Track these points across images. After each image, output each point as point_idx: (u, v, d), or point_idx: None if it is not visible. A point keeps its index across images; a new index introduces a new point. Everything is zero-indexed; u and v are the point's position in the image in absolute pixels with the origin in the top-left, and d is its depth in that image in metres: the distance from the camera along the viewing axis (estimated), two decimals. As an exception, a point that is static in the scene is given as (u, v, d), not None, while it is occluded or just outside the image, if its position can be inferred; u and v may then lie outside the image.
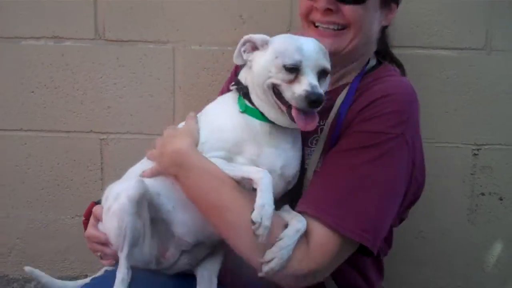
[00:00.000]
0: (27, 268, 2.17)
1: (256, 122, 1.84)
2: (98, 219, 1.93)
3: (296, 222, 1.70)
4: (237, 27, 2.78)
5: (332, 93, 1.93)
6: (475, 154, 2.88)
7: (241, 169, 1.74)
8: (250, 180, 1.71)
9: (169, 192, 1.88)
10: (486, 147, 2.87)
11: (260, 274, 1.67)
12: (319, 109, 1.69)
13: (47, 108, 2.94)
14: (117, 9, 2.82)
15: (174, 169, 1.81)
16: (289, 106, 1.71)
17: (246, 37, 1.87)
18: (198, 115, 2.02)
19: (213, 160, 1.78)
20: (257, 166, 1.79)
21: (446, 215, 2.96)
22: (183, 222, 1.88)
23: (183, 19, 2.82)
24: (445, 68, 2.80)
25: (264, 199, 1.63)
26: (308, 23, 2.00)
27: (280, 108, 1.75)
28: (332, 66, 1.82)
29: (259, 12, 2.79)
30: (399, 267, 2.99)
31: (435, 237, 2.99)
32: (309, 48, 1.79)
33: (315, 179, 1.85)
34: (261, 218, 1.60)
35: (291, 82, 1.70)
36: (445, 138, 2.87)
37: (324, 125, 1.93)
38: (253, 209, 1.62)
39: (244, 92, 1.90)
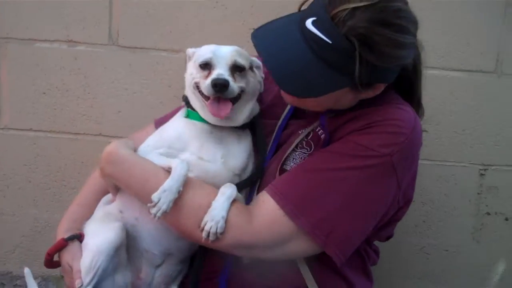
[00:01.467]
0: (26, 270, 2.60)
1: (197, 123, 2.30)
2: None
3: (223, 188, 2.09)
4: (249, 39, 3.32)
5: (318, 114, 2.22)
6: (482, 174, 3.37)
7: (165, 160, 2.16)
8: (169, 169, 2.10)
9: (130, 206, 2.28)
10: (493, 167, 3.35)
11: (202, 242, 2.02)
12: (229, 95, 2.15)
13: (57, 110, 3.42)
14: (131, 16, 3.27)
15: (109, 168, 2.22)
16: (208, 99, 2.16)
17: (187, 51, 2.37)
18: None
19: (149, 156, 2.22)
20: (200, 157, 2.30)
21: (451, 233, 3.45)
22: (148, 233, 2.26)
23: (195, 29, 3.28)
24: (455, 89, 3.26)
25: (169, 185, 2.02)
26: None
27: (205, 105, 2.20)
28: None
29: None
30: (400, 280, 3.53)
31: (438, 254, 3.48)
32: (222, 48, 2.30)
33: (290, 170, 2.14)
34: (159, 200, 1.99)
35: (206, 77, 2.19)
36: (453, 157, 3.34)
37: (304, 131, 2.26)
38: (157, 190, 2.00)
39: (187, 102, 2.37)
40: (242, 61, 2.26)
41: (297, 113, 2.48)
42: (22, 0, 3.25)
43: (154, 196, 2.00)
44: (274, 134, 2.46)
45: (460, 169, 3.36)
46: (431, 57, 3.18)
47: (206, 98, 2.20)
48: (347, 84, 1.98)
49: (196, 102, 2.31)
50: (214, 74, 2.16)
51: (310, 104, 2.16)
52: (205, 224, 2.00)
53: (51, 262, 2.31)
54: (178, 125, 2.33)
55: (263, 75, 2.49)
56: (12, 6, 3.26)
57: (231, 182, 2.21)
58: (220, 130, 2.31)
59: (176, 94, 3.29)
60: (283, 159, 2.23)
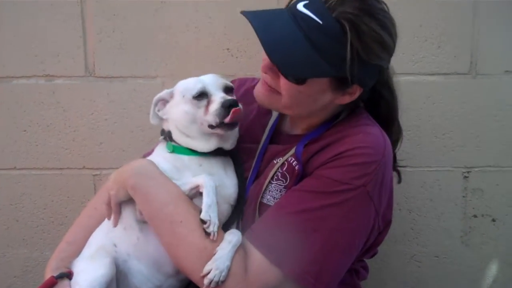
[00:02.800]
0: None
1: (185, 158, 2.28)
2: None
3: (228, 234, 2.05)
4: (224, 59, 3.33)
5: (298, 138, 2.26)
6: (465, 177, 3.37)
7: (187, 182, 2.16)
8: (197, 187, 2.11)
9: (123, 238, 2.27)
10: (476, 169, 3.36)
11: (200, 285, 1.99)
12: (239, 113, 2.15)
13: (39, 146, 3.43)
14: (106, 46, 3.30)
15: (135, 179, 2.15)
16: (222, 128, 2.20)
17: (155, 98, 2.37)
18: None
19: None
20: None
21: (440, 239, 3.44)
22: (138, 270, 2.24)
23: (171, 54, 3.31)
24: (432, 93, 3.28)
25: (210, 199, 2.04)
26: None
27: (207, 133, 2.24)
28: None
29: (245, 44, 3.30)
30: (393, 291, 3.45)
31: (429, 261, 3.47)
32: (207, 76, 2.36)
33: (268, 213, 2.10)
34: (210, 216, 2.00)
35: (206, 108, 2.19)
36: (435, 162, 3.35)
37: (279, 160, 2.25)
38: (201, 211, 2.02)
39: (169, 137, 2.43)
40: (227, 81, 2.37)
41: (274, 138, 2.49)
42: (-4, 38, 3.22)
43: (204, 215, 2.03)
44: (255, 160, 2.46)
45: (444, 174, 3.37)
46: (406, 63, 3.25)
47: (213, 128, 2.22)
48: (329, 73, 2.00)
49: (190, 137, 2.30)
50: (218, 99, 2.19)
51: (287, 101, 2.13)
52: (209, 272, 1.98)
53: None
54: (169, 159, 2.31)
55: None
56: (-13, 45, 3.23)
57: (227, 212, 2.25)
58: (208, 161, 2.34)
59: None
60: (261, 192, 2.22)
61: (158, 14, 3.27)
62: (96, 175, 3.45)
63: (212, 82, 2.26)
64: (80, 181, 3.48)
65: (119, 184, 2.21)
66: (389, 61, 2.13)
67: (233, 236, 2.05)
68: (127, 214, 2.36)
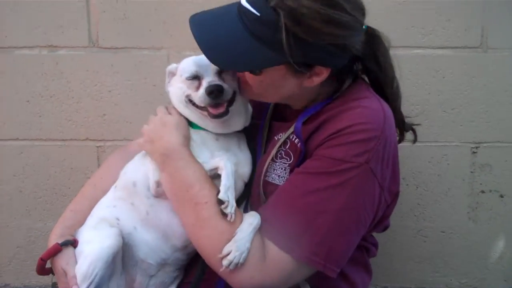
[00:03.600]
0: None
1: (202, 132, 2.29)
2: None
3: (249, 217, 2.05)
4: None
5: (294, 114, 2.26)
6: (474, 152, 3.35)
7: (207, 162, 2.17)
8: (216, 169, 2.12)
9: (129, 213, 2.28)
10: (484, 145, 3.34)
11: (220, 270, 1.98)
12: (225, 98, 2.18)
13: (43, 117, 3.42)
14: (110, 17, 3.27)
15: (162, 158, 2.16)
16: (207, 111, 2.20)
17: (167, 68, 2.42)
18: None
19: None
20: None
21: (447, 214, 3.44)
22: (144, 242, 2.24)
23: (176, 25, 3.27)
24: (441, 67, 3.24)
25: (229, 181, 2.05)
26: None
27: (203, 115, 2.25)
28: None
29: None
30: (399, 265, 3.52)
31: (436, 236, 3.47)
32: (202, 58, 2.28)
33: (274, 198, 2.10)
34: (228, 197, 2.01)
35: (197, 88, 2.22)
36: (443, 137, 3.33)
37: (280, 137, 2.25)
38: (219, 191, 2.02)
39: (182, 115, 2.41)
40: None
41: (277, 115, 2.49)
42: (-2, 8, 3.19)
43: (222, 196, 2.02)
44: (258, 136, 2.48)
45: (452, 149, 3.35)
46: (415, 36, 3.21)
47: (202, 108, 2.22)
48: (279, 61, 1.99)
49: (191, 115, 2.31)
50: (205, 82, 2.19)
51: (256, 90, 2.18)
52: (229, 253, 1.97)
53: (44, 268, 2.25)
54: None
55: None
56: (-11, 15, 3.20)
57: (240, 189, 2.26)
58: (225, 136, 2.36)
59: (162, 92, 3.20)
60: (264, 170, 2.23)
61: (163, -16, 3.16)
62: (99, 146, 3.45)
63: (206, 63, 2.25)
64: (83, 153, 3.48)
65: (151, 152, 2.27)
66: (354, 36, 2.02)
67: (253, 219, 2.05)
68: (137, 190, 2.36)
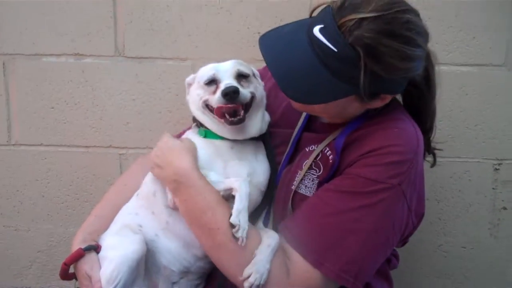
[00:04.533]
0: None
1: (217, 142, 2.34)
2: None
3: (266, 238, 2.08)
4: (255, 44, 3.29)
5: (331, 127, 2.28)
6: (496, 169, 3.38)
7: (222, 181, 2.18)
8: (230, 189, 2.15)
9: (151, 221, 2.32)
10: (507, 161, 3.36)
11: None
12: (242, 101, 2.21)
13: (67, 123, 3.47)
14: (136, 27, 3.32)
15: (173, 184, 2.20)
16: (224, 118, 2.22)
17: (186, 80, 2.51)
18: None
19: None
20: (227, 177, 2.30)
21: (468, 230, 3.46)
22: (167, 249, 2.29)
23: (201, 36, 3.32)
24: (465, 84, 3.27)
25: (241, 204, 2.07)
26: None
27: (219, 122, 2.27)
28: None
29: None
30: (420, 279, 3.56)
31: (457, 251, 3.50)
32: (222, 63, 2.39)
33: (304, 212, 2.13)
34: (240, 221, 2.03)
35: (214, 92, 2.26)
36: (466, 153, 3.36)
37: (314, 149, 2.27)
38: (231, 214, 2.05)
39: (200, 123, 2.47)
40: (245, 69, 2.40)
41: (309, 126, 2.51)
42: (27, 15, 3.31)
43: (233, 220, 2.05)
44: (289, 146, 2.49)
45: (474, 165, 3.37)
46: (440, 53, 3.11)
47: (220, 114, 2.22)
48: (351, 93, 2.05)
49: (208, 121, 2.35)
50: (222, 85, 2.21)
51: (318, 110, 2.19)
52: (249, 276, 2.01)
53: (67, 273, 2.29)
54: (202, 145, 2.33)
55: (262, 82, 2.55)
56: (18, 21, 3.32)
57: (257, 199, 2.30)
58: (240, 144, 2.35)
59: (184, 102, 3.23)
60: (296, 182, 2.26)
61: (190, -4, 3.22)
62: (122, 154, 3.50)
63: (225, 69, 2.31)
64: (106, 160, 3.53)
65: (162, 179, 2.29)
66: (421, 65, 2.08)
67: (272, 240, 2.09)
68: (157, 200, 2.41)
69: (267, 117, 2.52)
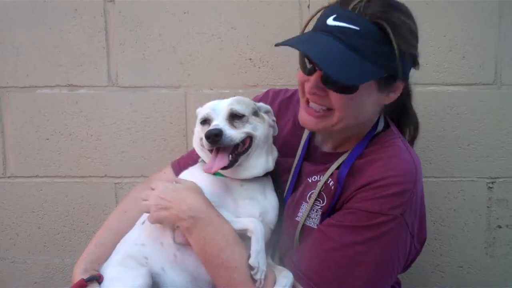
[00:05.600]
0: None
1: (226, 180, 2.32)
2: None
3: (282, 278, 2.11)
4: (247, 70, 3.36)
5: (331, 156, 2.33)
6: (490, 188, 3.39)
7: (236, 221, 2.18)
8: (245, 230, 2.20)
9: (158, 253, 2.28)
10: (500, 180, 3.38)
11: None
12: (226, 143, 2.15)
13: (62, 154, 3.49)
14: (129, 57, 3.36)
15: (189, 222, 2.14)
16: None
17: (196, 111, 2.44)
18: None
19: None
20: (238, 217, 2.29)
21: (464, 249, 3.47)
22: (173, 284, 2.25)
23: (194, 64, 3.35)
24: (455, 103, 3.30)
25: (259, 246, 2.09)
26: (302, 92, 2.24)
27: None
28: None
29: (268, 54, 3.33)
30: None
31: (454, 271, 3.50)
32: (221, 101, 2.37)
33: (309, 248, 2.17)
34: (258, 263, 2.05)
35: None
36: (459, 173, 3.37)
37: (319, 180, 2.29)
38: (249, 256, 2.06)
39: None
40: (239, 108, 2.33)
41: (308, 155, 2.53)
42: (20, 48, 3.36)
43: (253, 262, 2.06)
44: (290, 176, 2.51)
45: (468, 184, 3.39)
46: (430, 73, 3.27)
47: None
48: (379, 73, 2.06)
49: (206, 158, 2.33)
50: (211, 126, 2.18)
51: (339, 114, 2.16)
52: None
53: None
54: (211, 182, 2.33)
55: (274, 118, 2.53)
56: (11, 54, 3.37)
57: (267, 236, 2.27)
58: (249, 182, 2.36)
59: (178, 130, 3.37)
60: (302, 214, 2.29)
61: (181, 24, 3.31)
62: (117, 183, 3.51)
63: (219, 107, 2.29)
64: (101, 189, 3.53)
65: (173, 218, 2.21)
66: (417, 48, 2.17)
67: (287, 280, 2.12)
68: (168, 231, 2.32)
69: (275, 153, 2.50)
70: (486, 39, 3.24)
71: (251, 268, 2.04)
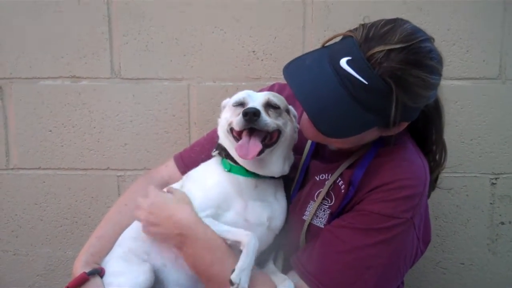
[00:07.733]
0: None
1: (241, 179, 2.29)
2: None
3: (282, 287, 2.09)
4: (250, 62, 3.34)
5: (340, 155, 2.29)
6: (493, 184, 3.37)
7: (231, 231, 2.15)
8: (238, 243, 2.17)
9: (160, 250, 2.28)
10: (504, 176, 3.36)
11: None
12: (262, 126, 2.13)
13: (65, 146, 3.49)
14: (132, 48, 3.36)
15: (177, 239, 2.17)
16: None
17: (222, 103, 2.48)
18: (179, 183, 2.48)
19: (205, 221, 2.17)
20: (246, 219, 2.28)
21: (466, 245, 3.45)
22: (175, 281, 2.26)
23: (197, 56, 3.35)
24: (459, 98, 3.29)
25: (246, 263, 2.04)
26: None
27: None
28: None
29: (271, 46, 3.32)
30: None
31: (455, 267, 3.48)
32: (260, 93, 2.36)
33: (319, 248, 2.15)
34: (240, 280, 1.99)
35: (238, 114, 2.16)
36: (462, 168, 3.35)
37: (327, 179, 2.27)
38: (233, 270, 2.01)
39: (226, 154, 2.42)
40: (276, 100, 2.33)
41: (316, 152, 2.53)
42: (23, 39, 3.36)
43: (234, 278, 2.00)
44: (298, 174, 2.50)
45: (471, 180, 3.37)
46: None
47: (238, 139, 2.17)
48: (378, 123, 2.08)
49: (230, 146, 2.31)
50: (248, 106, 2.16)
51: (335, 141, 2.20)
52: None
53: None
54: (222, 181, 2.29)
55: (298, 125, 2.50)
56: (14, 46, 3.37)
57: (270, 241, 2.30)
58: (263, 183, 2.31)
59: (181, 122, 3.36)
60: (309, 213, 2.27)
61: (184, 16, 3.31)
62: (120, 176, 3.51)
63: (255, 95, 2.29)
64: (104, 182, 3.53)
65: (162, 234, 2.24)
66: (436, 92, 2.16)
67: None
68: None
69: (292, 159, 2.48)
70: (490, 33, 3.21)
71: (231, 283, 2.00)
